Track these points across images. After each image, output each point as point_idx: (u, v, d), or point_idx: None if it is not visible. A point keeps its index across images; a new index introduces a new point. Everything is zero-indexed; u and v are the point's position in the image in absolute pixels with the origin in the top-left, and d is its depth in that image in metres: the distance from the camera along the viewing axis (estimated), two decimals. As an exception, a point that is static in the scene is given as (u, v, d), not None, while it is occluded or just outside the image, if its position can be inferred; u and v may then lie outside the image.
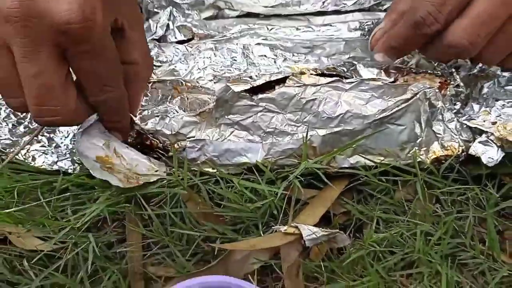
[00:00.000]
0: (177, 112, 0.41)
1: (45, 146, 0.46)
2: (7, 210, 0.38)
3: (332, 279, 0.37)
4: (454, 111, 0.42)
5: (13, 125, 0.48)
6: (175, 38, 0.47)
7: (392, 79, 0.42)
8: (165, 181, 0.39)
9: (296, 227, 0.36)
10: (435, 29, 0.36)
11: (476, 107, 0.42)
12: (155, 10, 0.49)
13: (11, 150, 0.46)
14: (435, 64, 0.44)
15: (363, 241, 0.38)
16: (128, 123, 0.39)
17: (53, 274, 0.36)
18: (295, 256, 0.37)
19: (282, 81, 0.41)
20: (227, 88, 0.39)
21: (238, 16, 0.50)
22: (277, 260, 0.38)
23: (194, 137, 0.41)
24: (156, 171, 0.39)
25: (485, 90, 0.42)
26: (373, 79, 0.40)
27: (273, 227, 0.37)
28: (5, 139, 0.46)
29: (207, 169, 0.41)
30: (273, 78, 0.41)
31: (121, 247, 0.39)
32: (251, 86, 0.40)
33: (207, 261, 0.38)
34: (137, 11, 0.38)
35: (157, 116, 0.41)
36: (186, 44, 0.46)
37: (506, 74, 0.43)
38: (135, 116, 0.40)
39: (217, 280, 0.32)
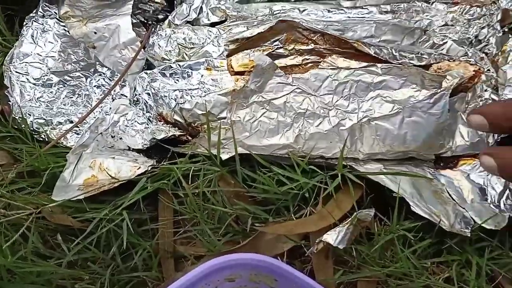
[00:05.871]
0: (209, 90, 0.41)
1: (78, 127, 0.47)
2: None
3: (362, 264, 0.37)
4: (485, 97, 0.41)
5: (46, 105, 0.49)
6: (208, 20, 0.47)
7: (423, 63, 0.41)
8: (199, 159, 0.40)
9: (321, 241, 0.36)
10: None
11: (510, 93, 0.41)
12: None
13: (44, 129, 0.47)
14: (466, 48, 0.43)
15: (391, 226, 0.38)
16: None
17: (87, 247, 0.37)
18: (325, 238, 0.37)
19: (316, 63, 0.41)
20: (264, 57, 0.40)
21: (269, 0, 0.50)
22: (307, 242, 0.38)
23: (225, 118, 0.41)
24: (139, 168, 0.40)
25: None
26: (406, 65, 0.40)
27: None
28: (38, 118, 0.47)
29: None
30: (306, 57, 0.41)
31: (153, 224, 0.39)
32: (285, 63, 0.40)
33: (237, 242, 0.38)
34: None
35: (187, 95, 0.42)
36: (218, 26, 0.46)
37: None
38: None
39: (249, 258, 0.32)
